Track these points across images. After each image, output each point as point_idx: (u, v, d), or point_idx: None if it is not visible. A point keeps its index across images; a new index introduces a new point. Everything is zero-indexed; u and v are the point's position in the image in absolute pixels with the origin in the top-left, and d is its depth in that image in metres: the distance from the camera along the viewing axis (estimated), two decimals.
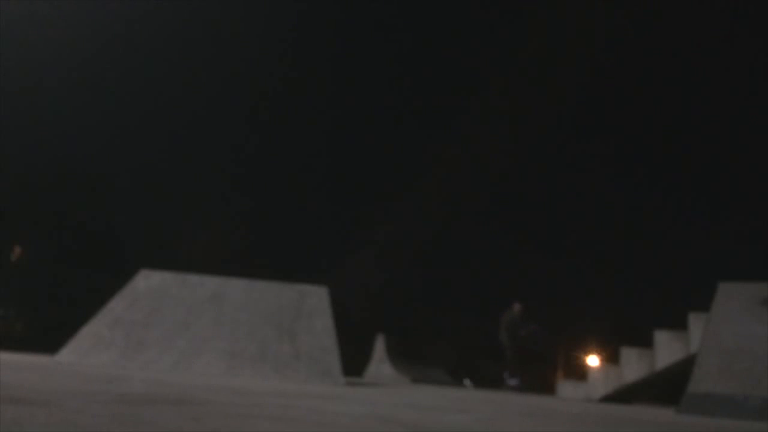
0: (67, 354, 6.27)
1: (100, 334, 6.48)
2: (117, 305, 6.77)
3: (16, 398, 1.17)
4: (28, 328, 22.84)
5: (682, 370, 8.54)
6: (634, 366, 13.40)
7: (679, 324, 12.70)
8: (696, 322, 11.59)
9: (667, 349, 12.60)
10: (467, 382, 20.16)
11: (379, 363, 13.95)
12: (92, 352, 6.25)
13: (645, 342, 14.00)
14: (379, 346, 14.40)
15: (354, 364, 12.24)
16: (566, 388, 16.21)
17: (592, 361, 31.75)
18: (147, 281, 7.03)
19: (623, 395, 13.27)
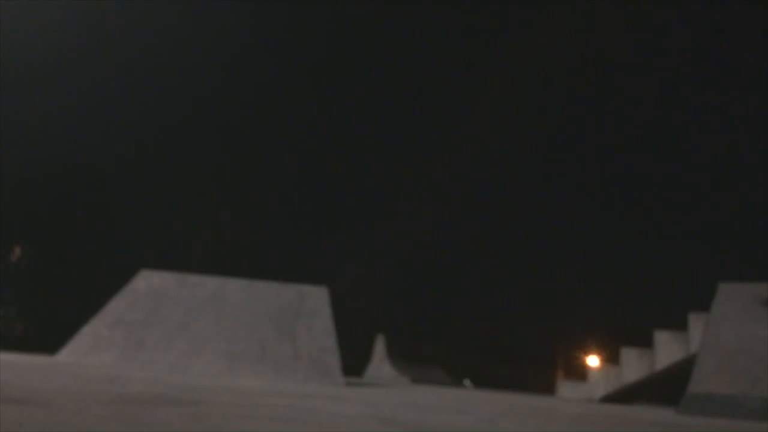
0: (67, 354, 6.27)
1: (100, 334, 6.47)
2: (117, 305, 6.77)
3: (16, 398, 1.17)
4: (28, 328, 22.84)
5: (682, 370, 8.54)
6: (634, 366, 13.41)
7: (679, 324, 12.71)
8: (696, 322, 11.60)
9: (667, 350, 12.61)
10: (467, 382, 20.13)
11: (379, 363, 13.94)
12: (92, 352, 6.25)
13: (645, 342, 14.01)
14: (379, 346, 14.40)
15: (354, 364, 12.23)
16: (566, 388, 16.22)
17: (592, 361, 31.71)
18: (147, 281, 7.03)
19: (623, 395, 13.28)
